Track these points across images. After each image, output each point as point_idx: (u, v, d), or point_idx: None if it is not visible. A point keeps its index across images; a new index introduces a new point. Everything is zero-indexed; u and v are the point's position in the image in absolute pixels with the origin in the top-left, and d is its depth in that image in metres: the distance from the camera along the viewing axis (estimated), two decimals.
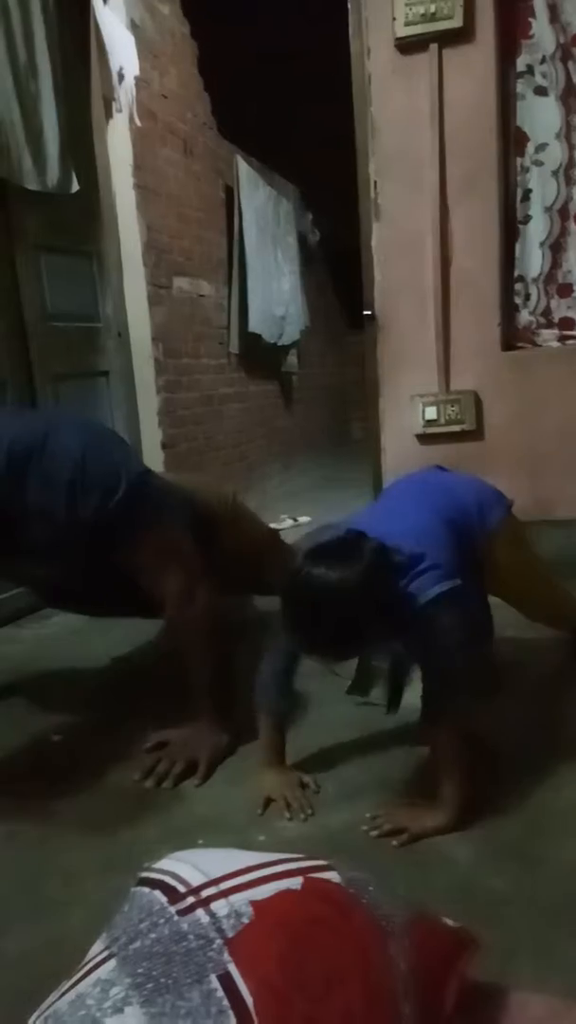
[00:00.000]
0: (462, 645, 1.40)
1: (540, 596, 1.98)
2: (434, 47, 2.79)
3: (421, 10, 2.75)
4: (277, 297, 5.28)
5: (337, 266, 6.71)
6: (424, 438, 3.07)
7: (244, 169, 4.70)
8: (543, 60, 2.83)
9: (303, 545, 1.50)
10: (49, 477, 1.58)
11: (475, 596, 1.66)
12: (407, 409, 3.06)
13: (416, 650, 1.49)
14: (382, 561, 1.33)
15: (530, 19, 2.81)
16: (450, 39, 2.78)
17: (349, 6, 2.88)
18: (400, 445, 3.12)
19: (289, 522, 4.19)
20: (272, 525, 3.99)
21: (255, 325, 4.81)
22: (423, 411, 3.03)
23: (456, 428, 3.02)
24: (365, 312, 3.08)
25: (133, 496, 1.63)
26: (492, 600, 1.88)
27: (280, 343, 5.44)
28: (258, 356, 5.05)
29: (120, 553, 1.67)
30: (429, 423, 3.03)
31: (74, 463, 1.59)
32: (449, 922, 0.96)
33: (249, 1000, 0.73)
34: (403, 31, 2.79)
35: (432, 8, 2.74)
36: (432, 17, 2.75)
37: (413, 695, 1.77)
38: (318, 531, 1.54)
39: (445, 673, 1.40)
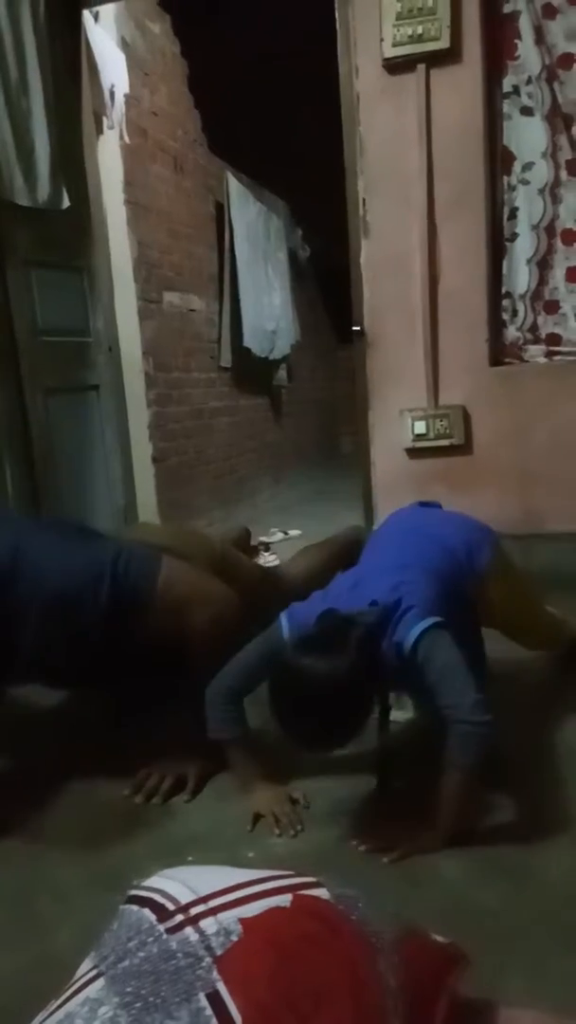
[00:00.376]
0: (463, 673, 1.37)
1: (534, 627, 1.98)
2: (421, 68, 2.82)
3: (408, 31, 2.78)
4: (268, 312, 5.31)
5: (327, 282, 6.76)
6: (413, 452, 3.09)
7: (235, 185, 4.74)
8: (529, 81, 2.87)
9: (296, 616, 1.51)
10: (32, 603, 1.53)
11: (465, 635, 1.62)
12: (396, 424, 3.08)
13: (423, 694, 1.48)
14: (369, 646, 1.34)
15: (516, 40, 2.85)
16: (437, 60, 2.81)
17: (337, 26, 2.91)
18: (390, 459, 3.13)
19: (279, 535, 4.20)
20: (262, 539, 4.00)
21: (246, 340, 4.83)
22: (412, 426, 3.04)
23: (445, 442, 3.03)
24: (354, 328, 3.10)
25: (121, 576, 1.59)
26: (488, 631, 1.87)
27: (271, 357, 5.46)
28: (249, 370, 5.07)
29: (143, 629, 1.62)
30: (418, 437, 3.05)
31: (52, 586, 1.53)
32: (439, 938, 0.95)
33: (238, 1018, 0.73)
34: (391, 52, 2.82)
35: (419, 29, 2.78)
36: (419, 38, 2.79)
37: (403, 712, 1.78)
38: (311, 601, 1.55)
39: (456, 707, 1.35)
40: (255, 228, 5.07)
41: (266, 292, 5.30)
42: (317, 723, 1.32)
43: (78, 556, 1.62)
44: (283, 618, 1.54)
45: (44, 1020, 0.80)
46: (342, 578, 1.65)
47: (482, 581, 1.70)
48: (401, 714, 1.77)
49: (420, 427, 3.04)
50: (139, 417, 3.65)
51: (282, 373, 5.97)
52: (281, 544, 4.02)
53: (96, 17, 3.31)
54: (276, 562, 3.64)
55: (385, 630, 1.40)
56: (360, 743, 1.72)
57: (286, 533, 4.22)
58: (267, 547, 3.90)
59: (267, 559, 3.68)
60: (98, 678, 1.83)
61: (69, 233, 3.13)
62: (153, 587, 1.61)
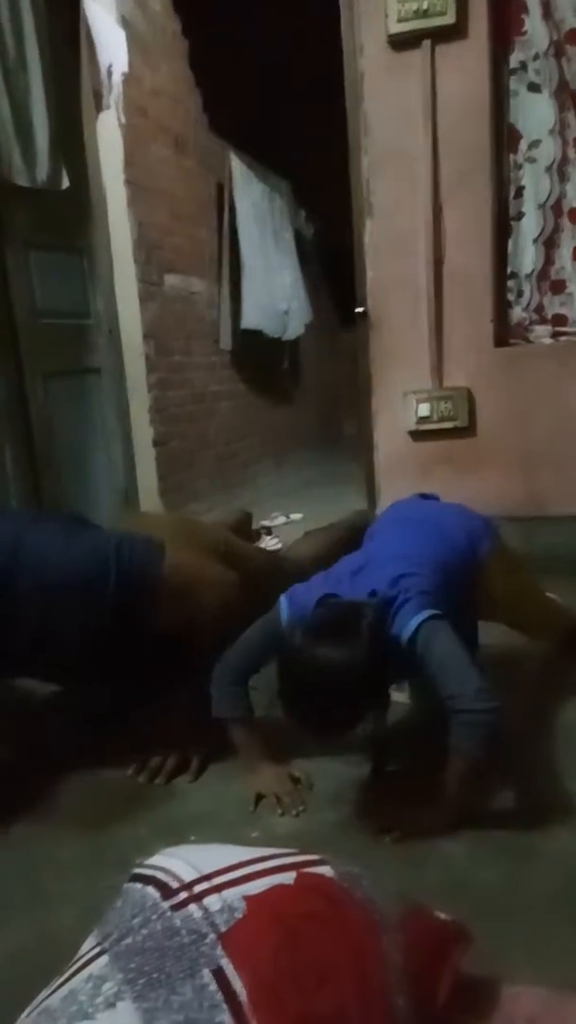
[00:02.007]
0: (464, 661, 1.37)
1: (536, 618, 1.98)
2: (427, 44, 2.78)
3: (413, 6, 2.74)
4: (279, 292, 5.27)
5: (330, 263, 6.70)
6: (417, 435, 3.07)
7: (237, 165, 4.69)
8: (536, 57, 2.82)
9: (296, 598, 1.50)
10: (35, 596, 1.51)
11: (465, 626, 1.61)
12: (400, 406, 3.06)
13: (422, 682, 1.48)
14: (380, 632, 1.34)
15: (523, 16, 2.81)
16: (443, 36, 2.77)
17: (341, 3, 2.87)
18: (393, 442, 3.12)
19: (282, 519, 4.19)
20: (264, 523, 3.99)
21: (252, 321, 4.79)
22: (416, 408, 3.02)
23: (449, 425, 3.02)
24: (358, 309, 3.07)
25: (126, 564, 1.58)
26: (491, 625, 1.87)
27: (284, 338, 5.43)
28: (253, 353, 5.04)
29: (148, 617, 1.61)
30: (422, 420, 3.03)
31: (56, 578, 1.52)
32: (442, 916, 0.96)
33: (242, 994, 0.73)
34: (395, 28, 2.78)
35: (425, 4, 2.73)
36: (424, 13, 2.74)
37: (402, 694, 1.78)
38: (308, 586, 1.55)
39: (458, 697, 1.34)
40: (260, 208, 5.02)
41: (276, 272, 5.26)
42: (329, 711, 1.32)
43: (81, 547, 1.60)
44: (283, 600, 1.54)
45: (48, 997, 0.80)
46: (343, 564, 1.64)
47: (483, 570, 1.69)
48: (399, 696, 1.77)
49: (424, 409, 3.02)
50: (140, 400, 3.63)
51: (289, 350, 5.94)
52: (283, 528, 4.01)
53: None
54: (278, 546, 3.64)
55: (385, 621, 1.39)
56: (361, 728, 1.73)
57: (288, 517, 4.21)
58: (269, 531, 3.89)
59: (269, 543, 3.67)
60: (101, 671, 1.81)
61: (68, 214, 3.10)
62: (158, 574, 1.60)
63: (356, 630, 1.31)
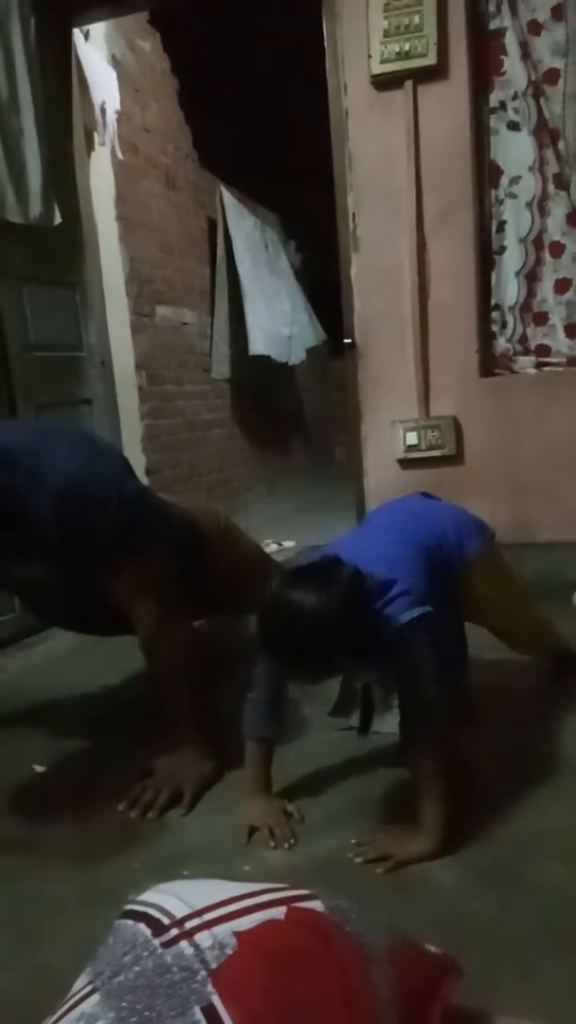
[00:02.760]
0: (433, 670, 1.42)
1: (521, 628, 2.00)
2: (409, 84, 2.86)
3: (396, 48, 2.82)
4: (281, 318, 5.34)
5: (319, 294, 6.79)
6: (405, 463, 3.11)
7: (229, 198, 4.77)
8: (515, 96, 2.91)
9: (285, 568, 1.53)
10: (38, 485, 1.57)
11: (449, 623, 1.67)
12: (388, 434, 3.10)
13: (390, 675, 1.52)
14: (357, 585, 1.36)
15: (502, 56, 2.90)
16: (425, 76, 2.85)
17: (326, 43, 2.95)
18: (382, 469, 3.15)
19: (274, 547, 4.20)
20: (266, 541, 4.01)
21: (260, 347, 4.83)
22: (404, 436, 3.06)
23: (437, 453, 3.06)
24: (346, 340, 3.12)
25: (119, 520, 1.63)
26: (473, 628, 1.90)
27: (290, 363, 5.50)
28: (249, 381, 5.08)
29: (98, 572, 1.69)
30: (410, 448, 3.07)
31: (66, 478, 1.59)
32: (432, 948, 0.96)
33: None
34: (378, 68, 2.86)
35: (407, 46, 2.82)
36: (407, 55, 2.82)
37: (394, 721, 1.79)
38: (301, 554, 1.58)
39: (418, 697, 1.42)
40: (253, 239, 5.10)
41: (275, 298, 5.33)
42: (300, 652, 1.34)
43: (112, 473, 1.70)
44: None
45: None
46: (334, 547, 1.66)
47: (469, 568, 1.72)
48: (387, 726, 1.77)
49: (412, 438, 3.06)
50: (132, 430, 3.66)
51: (296, 379, 6.00)
52: (275, 555, 4.02)
53: (86, 35, 3.35)
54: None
55: (374, 598, 1.41)
56: (351, 756, 1.74)
57: (280, 544, 4.23)
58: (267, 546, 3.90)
59: None
60: (70, 604, 1.91)
61: (61, 249, 3.15)
62: (128, 557, 1.67)
63: (330, 577, 1.34)
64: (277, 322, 5.21)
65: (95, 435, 1.88)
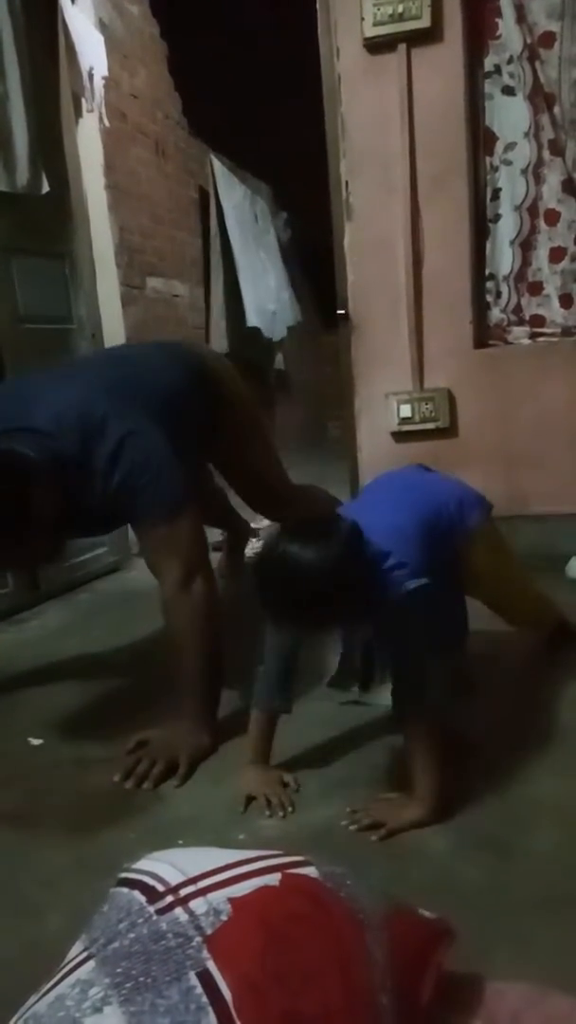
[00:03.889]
0: (427, 640, 1.43)
1: (518, 602, 2.00)
2: (403, 47, 2.80)
3: (389, 10, 2.76)
4: (267, 293, 5.29)
5: (311, 265, 6.73)
6: (399, 436, 3.09)
7: (219, 167, 4.70)
8: (510, 60, 2.85)
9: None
10: (93, 450, 1.66)
11: (448, 594, 1.67)
12: (382, 407, 3.08)
13: (384, 643, 1.52)
14: (355, 542, 1.36)
15: (497, 19, 2.84)
16: (418, 39, 2.79)
17: (318, 7, 2.88)
18: (376, 443, 3.14)
19: (267, 522, 4.19)
20: (251, 525, 4.00)
21: (254, 320, 4.80)
22: (398, 409, 3.05)
23: (431, 426, 3.04)
24: (339, 312, 3.09)
25: (153, 485, 1.69)
26: (469, 601, 1.90)
27: (274, 339, 5.46)
28: (245, 354, 5.04)
29: (131, 523, 1.80)
30: (404, 421, 3.05)
31: (113, 440, 1.66)
32: (426, 913, 0.97)
33: (228, 996, 0.74)
34: (371, 31, 2.80)
35: (400, 8, 2.76)
36: (400, 17, 2.76)
37: (387, 694, 1.80)
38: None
39: (411, 666, 1.43)
40: (243, 210, 5.04)
41: (261, 273, 5.28)
42: (297, 604, 1.34)
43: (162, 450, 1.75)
44: None
45: (35, 1002, 0.81)
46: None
47: (469, 540, 1.72)
48: (381, 699, 1.78)
49: (405, 410, 3.04)
50: None
51: (280, 356, 5.96)
52: (268, 530, 4.02)
53: None
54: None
55: (373, 567, 1.40)
56: (348, 727, 1.74)
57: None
58: (255, 533, 3.89)
59: (255, 546, 3.68)
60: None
61: (49, 218, 3.10)
62: (159, 518, 1.73)
63: (328, 533, 1.34)
64: (262, 297, 5.17)
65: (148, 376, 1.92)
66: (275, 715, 1.62)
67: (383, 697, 1.77)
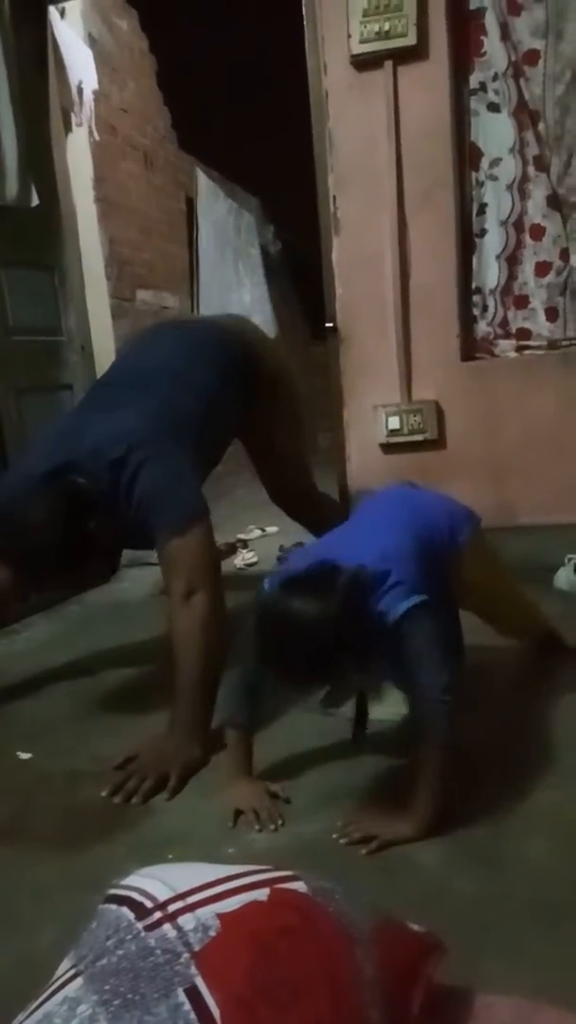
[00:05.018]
0: (440, 654, 1.40)
1: (509, 613, 2.01)
2: (389, 64, 2.83)
3: (375, 28, 2.79)
4: (238, 309, 5.29)
5: (300, 278, 6.76)
6: (388, 447, 3.11)
7: (203, 181, 4.73)
8: (495, 77, 2.89)
9: (280, 570, 1.52)
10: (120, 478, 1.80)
11: (444, 611, 1.66)
12: (370, 419, 3.10)
13: (396, 667, 1.50)
14: (355, 593, 1.35)
15: (482, 37, 2.88)
16: (404, 56, 2.83)
17: (305, 23, 2.91)
18: (364, 455, 3.15)
19: (257, 532, 4.20)
20: (240, 536, 4.00)
21: None
22: (386, 421, 3.06)
23: (419, 437, 3.06)
24: (327, 324, 3.11)
25: (174, 505, 1.80)
26: (460, 612, 1.90)
27: None
28: None
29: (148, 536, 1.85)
30: (392, 433, 3.07)
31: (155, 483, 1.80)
32: (415, 927, 0.97)
33: (216, 1012, 0.74)
34: (358, 48, 2.83)
35: (386, 26, 2.79)
36: (386, 35, 2.80)
37: (380, 709, 1.80)
38: (292, 554, 1.58)
39: (428, 685, 1.39)
40: (224, 225, 5.06)
41: (235, 288, 5.29)
42: (297, 659, 1.34)
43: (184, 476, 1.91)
44: (265, 582, 1.55)
45: (23, 1020, 0.80)
46: (325, 541, 1.66)
47: (460, 557, 1.72)
48: (383, 712, 1.78)
49: (394, 422, 3.06)
50: None
51: None
52: (259, 541, 4.02)
53: (62, 13, 3.29)
54: (255, 559, 3.65)
55: (370, 593, 1.41)
56: (337, 737, 1.74)
57: (263, 530, 4.22)
58: (245, 544, 3.90)
59: (246, 556, 3.69)
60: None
61: (39, 231, 3.11)
62: (172, 533, 1.82)
63: (330, 585, 1.33)
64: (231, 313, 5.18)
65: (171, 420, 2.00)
66: (249, 732, 1.61)
67: (380, 712, 1.78)
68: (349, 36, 2.83)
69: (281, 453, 2.54)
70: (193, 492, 1.87)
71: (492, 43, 2.87)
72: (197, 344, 2.23)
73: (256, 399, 2.30)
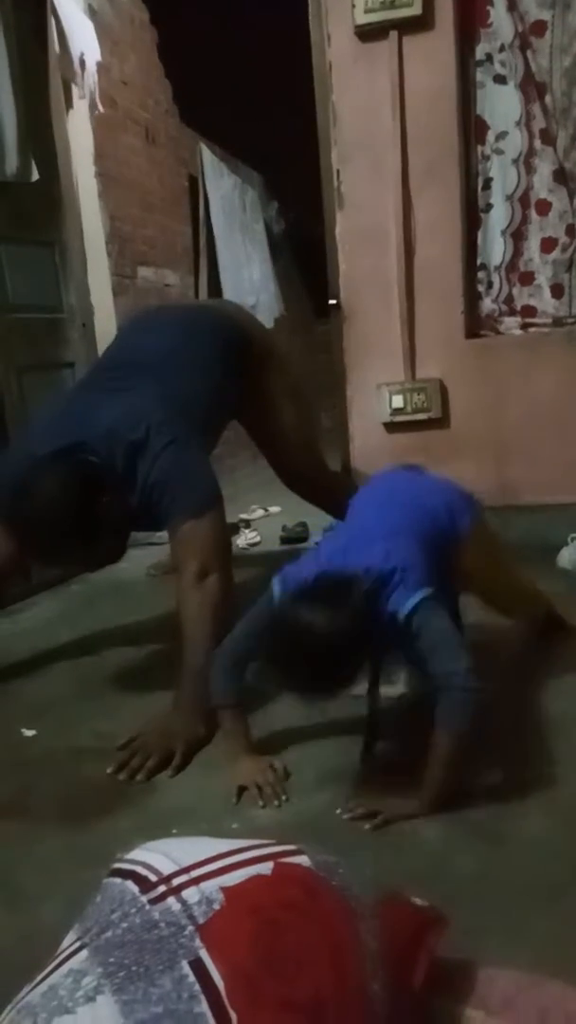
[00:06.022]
0: (455, 642, 1.41)
1: (511, 596, 2.01)
2: (394, 35, 2.79)
3: None
4: (248, 286, 5.26)
5: (303, 255, 6.70)
6: (391, 426, 3.09)
7: (208, 156, 4.67)
8: (502, 48, 2.84)
9: (289, 578, 1.52)
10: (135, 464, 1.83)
11: (448, 601, 1.65)
12: (374, 398, 3.08)
13: (413, 660, 1.51)
14: (368, 603, 1.36)
15: (488, 7, 2.82)
16: (410, 27, 2.78)
17: None
18: (368, 434, 3.14)
19: (260, 512, 4.19)
20: (243, 516, 4.00)
21: None
22: (390, 399, 3.05)
23: (422, 416, 3.04)
24: (331, 301, 3.08)
25: (183, 493, 1.82)
26: (466, 598, 1.90)
27: None
28: None
29: (163, 520, 1.88)
30: (396, 411, 3.05)
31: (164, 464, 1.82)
32: (418, 901, 0.98)
33: (220, 984, 0.74)
34: (362, 18, 2.79)
35: None
36: (391, 4, 2.75)
37: (393, 688, 1.80)
38: (304, 558, 1.57)
39: (447, 674, 1.39)
40: (231, 200, 5.01)
41: (245, 265, 5.25)
42: (312, 672, 1.34)
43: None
44: (276, 581, 1.55)
45: (28, 992, 0.81)
46: (329, 540, 1.66)
47: (462, 545, 1.71)
48: (392, 689, 1.78)
49: (398, 401, 3.04)
50: None
51: None
52: (261, 521, 4.02)
53: None
54: (257, 539, 3.65)
55: (380, 595, 1.41)
56: (343, 712, 1.75)
57: (266, 510, 4.22)
58: (248, 524, 3.89)
59: (248, 537, 3.68)
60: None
61: (39, 207, 3.07)
62: (184, 517, 1.85)
63: (348, 597, 1.34)
64: (243, 290, 5.15)
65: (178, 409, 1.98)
66: (241, 707, 1.63)
67: (389, 690, 1.78)
68: (353, 6, 2.79)
69: (279, 431, 2.53)
70: (210, 476, 1.91)
71: (498, 13, 2.81)
72: (194, 327, 2.23)
73: (248, 379, 2.30)
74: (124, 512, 1.84)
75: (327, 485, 2.66)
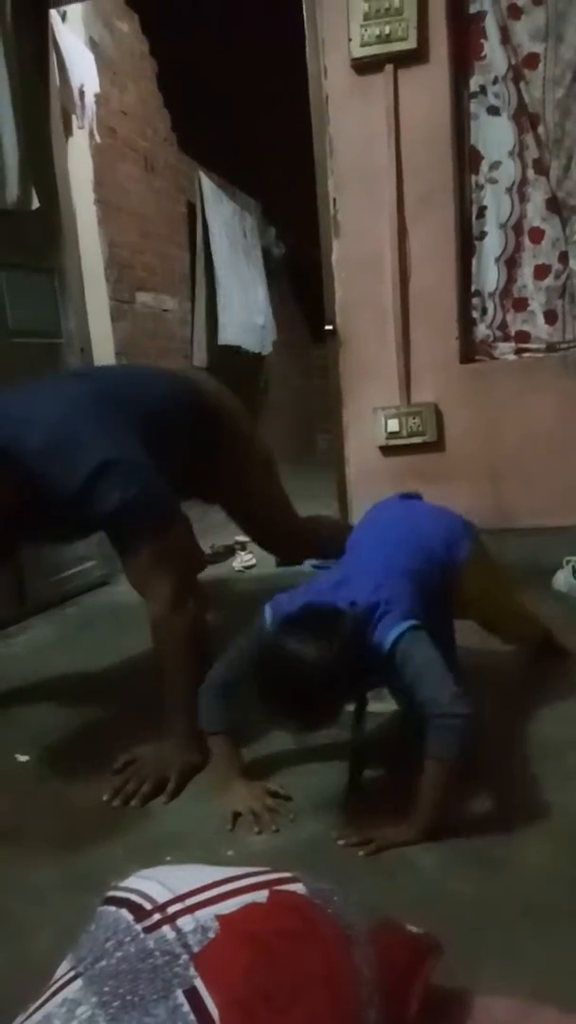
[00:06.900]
0: (440, 670, 1.40)
1: (508, 620, 2.01)
2: (389, 68, 2.85)
3: (376, 31, 2.81)
4: (255, 307, 5.33)
5: (300, 280, 6.77)
6: (387, 450, 3.11)
7: (208, 184, 4.74)
8: (495, 80, 2.90)
9: (280, 606, 1.52)
10: (66, 465, 1.61)
11: (442, 631, 1.65)
12: (370, 421, 3.10)
13: (400, 690, 1.51)
14: (355, 636, 1.37)
15: (482, 41, 2.89)
16: (405, 60, 2.84)
17: (306, 26, 2.93)
18: (364, 457, 3.16)
19: None
20: (238, 538, 4.00)
21: (231, 337, 4.83)
22: (385, 423, 3.07)
23: (418, 440, 3.06)
24: (327, 327, 3.12)
25: (141, 501, 1.64)
26: (463, 624, 1.90)
27: (263, 352, 5.53)
28: (227, 369, 5.07)
29: (117, 544, 1.73)
30: (391, 435, 3.07)
31: (94, 462, 1.61)
32: (413, 929, 0.97)
33: (215, 1013, 0.74)
34: (359, 52, 2.85)
35: (387, 29, 2.80)
36: (387, 38, 2.81)
37: (383, 704, 1.80)
38: (295, 591, 1.58)
39: (434, 703, 1.38)
40: (232, 226, 5.07)
41: (251, 287, 5.32)
42: (300, 705, 1.35)
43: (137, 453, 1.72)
44: (267, 608, 1.56)
45: (23, 1022, 0.80)
46: (325, 576, 1.67)
47: (459, 573, 1.72)
48: (380, 706, 1.78)
49: (393, 425, 3.07)
50: None
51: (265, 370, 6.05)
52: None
53: (64, 17, 3.29)
54: (252, 561, 3.65)
55: (366, 629, 1.42)
56: (336, 736, 1.74)
57: None
58: (243, 546, 3.89)
59: (244, 559, 3.68)
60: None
61: (39, 234, 3.11)
62: (148, 537, 1.68)
63: (332, 629, 1.35)
64: (251, 311, 5.21)
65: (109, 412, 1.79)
66: (232, 733, 1.62)
67: (380, 707, 1.77)
68: (350, 40, 2.84)
69: (260, 505, 2.42)
70: (163, 492, 1.72)
71: (492, 46, 2.88)
72: (153, 369, 2.18)
73: (220, 452, 2.15)
74: (11, 509, 1.62)
75: (308, 540, 2.55)
